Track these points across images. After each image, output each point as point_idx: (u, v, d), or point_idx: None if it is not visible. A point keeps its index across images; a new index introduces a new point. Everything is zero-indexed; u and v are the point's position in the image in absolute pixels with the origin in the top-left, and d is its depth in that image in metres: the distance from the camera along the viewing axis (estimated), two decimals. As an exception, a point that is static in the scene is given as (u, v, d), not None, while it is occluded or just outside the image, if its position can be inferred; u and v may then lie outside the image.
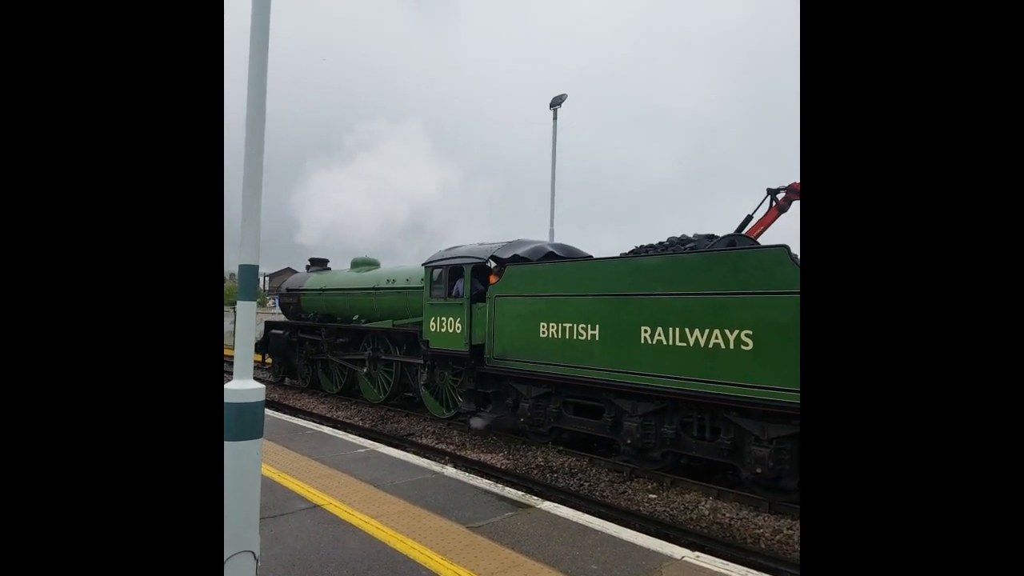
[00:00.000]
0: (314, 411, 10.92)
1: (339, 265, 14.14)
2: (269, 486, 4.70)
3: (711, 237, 6.93)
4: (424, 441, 8.54)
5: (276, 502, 4.40)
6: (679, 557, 3.63)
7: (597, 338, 6.94)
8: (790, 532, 5.19)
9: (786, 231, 11.61)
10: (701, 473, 6.71)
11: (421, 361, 9.74)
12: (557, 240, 12.42)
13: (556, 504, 4.73)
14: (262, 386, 2.72)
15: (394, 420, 10.05)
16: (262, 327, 14.46)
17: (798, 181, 11.60)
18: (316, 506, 4.37)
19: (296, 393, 12.96)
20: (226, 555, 2.45)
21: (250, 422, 2.63)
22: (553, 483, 6.55)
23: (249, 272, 2.77)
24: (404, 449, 7.21)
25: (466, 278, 8.63)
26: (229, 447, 2.51)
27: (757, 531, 5.26)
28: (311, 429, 7.44)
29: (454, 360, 9.00)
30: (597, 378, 6.93)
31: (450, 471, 5.57)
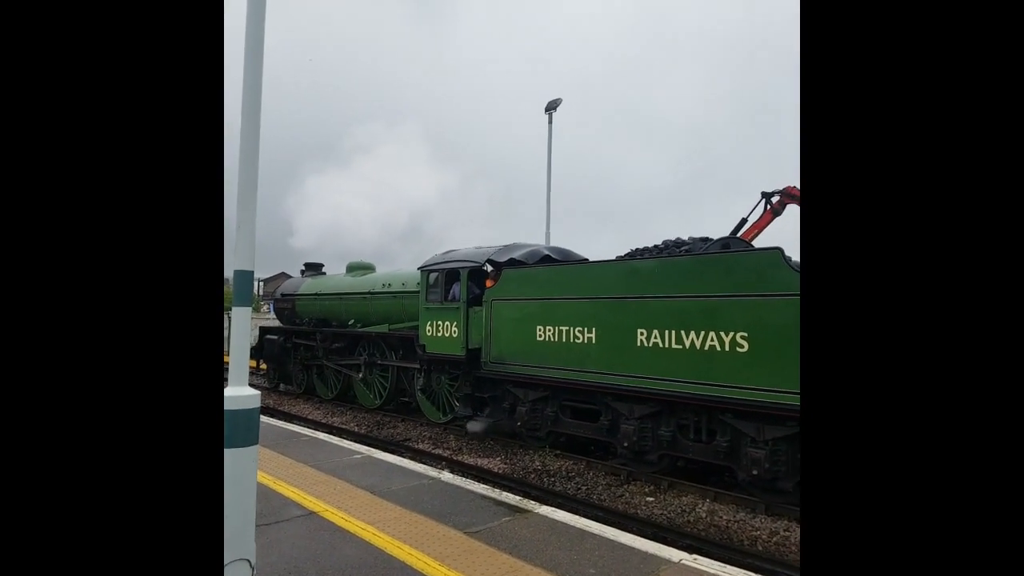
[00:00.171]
0: (309, 417, 10.87)
1: (334, 270, 14.11)
2: (264, 493, 4.67)
3: (706, 240, 6.96)
4: (421, 446, 8.51)
5: (271, 509, 4.37)
6: (677, 560, 3.62)
7: (593, 341, 6.94)
8: (787, 534, 5.20)
9: (780, 234, 11.67)
10: (698, 475, 6.72)
11: (417, 366, 9.71)
12: (553, 243, 12.44)
13: (554, 508, 4.72)
14: (257, 392, 2.71)
15: (390, 425, 10.01)
16: (257, 332, 14.39)
17: (792, 185, 11.68)
18: (312, 513, 4.34)
19: (291, 399, 12.90)
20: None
21: (245, 429, 2.62)
22: (551, 487, 6.54)
23: (244, 278, 2.76)
24: (400, 455, 7.18)
25: (462, 282, 8.63)
26: (225, 454, 2.49)
27: (754, 533, 5.26)
28: (306, 435, 7.40)
29: (450, 364, 8.98)
30: (594, 381, 6.94)
31: (447, 476, 5.55)
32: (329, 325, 12.42)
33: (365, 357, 11.05)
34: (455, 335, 8.60)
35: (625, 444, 6.76)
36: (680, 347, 6.12)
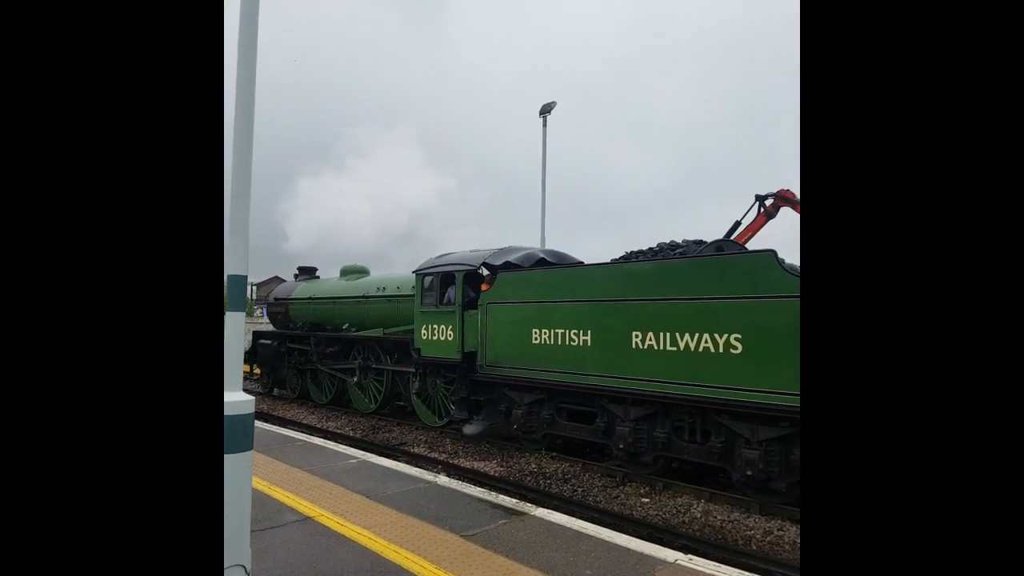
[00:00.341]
0: (304, 422, 10.82)
1: (328, 273, 14.07)
2: (259, 498, 4.65)
3: (700, 243, 7.00)
4: (416, 450, 8.50)
5: (266, 515, 4.35)
6: (672, 560, 3.64)
7: (589, 344, 6.96)
8: (781, 533, 5.23)
9: (773, 237, 11.75)
10: (693, 476, 6.74)
11: (412, 369, 9.70)
12: (550, 245, 12.47)
13: (550, 510, 4.72)
14: (252, 398, 2.70)
15: (385, 429, 9.98)
16: (250, 337, 14.32)
17: (785, 188, 11.76)
18: (307, 518, 4.33)
19: (285, 404, 12.83)
20: (217, 569, 2.42)
21: (240, 434, 2.61)
22: (547, 489, 6.54)
23: (237, 282, 2.76)
24: (396, 459, 7.16)
25: (458, 285, 8.63)
26: (219, 459, 2.49)
27: (748, 532, 5.29)
28: (301, 440, 7.37)
29: (446, 368, 8.97)
30: (589, 383, 6.95)
31: (443, 480, 5.54)
32: (323, 329, 12.38)
33: (360, 361, 11.01)
34: (451, 338, 8.60)
35: (621, 446, 6.78)
36: (675, 349, 6.15)
